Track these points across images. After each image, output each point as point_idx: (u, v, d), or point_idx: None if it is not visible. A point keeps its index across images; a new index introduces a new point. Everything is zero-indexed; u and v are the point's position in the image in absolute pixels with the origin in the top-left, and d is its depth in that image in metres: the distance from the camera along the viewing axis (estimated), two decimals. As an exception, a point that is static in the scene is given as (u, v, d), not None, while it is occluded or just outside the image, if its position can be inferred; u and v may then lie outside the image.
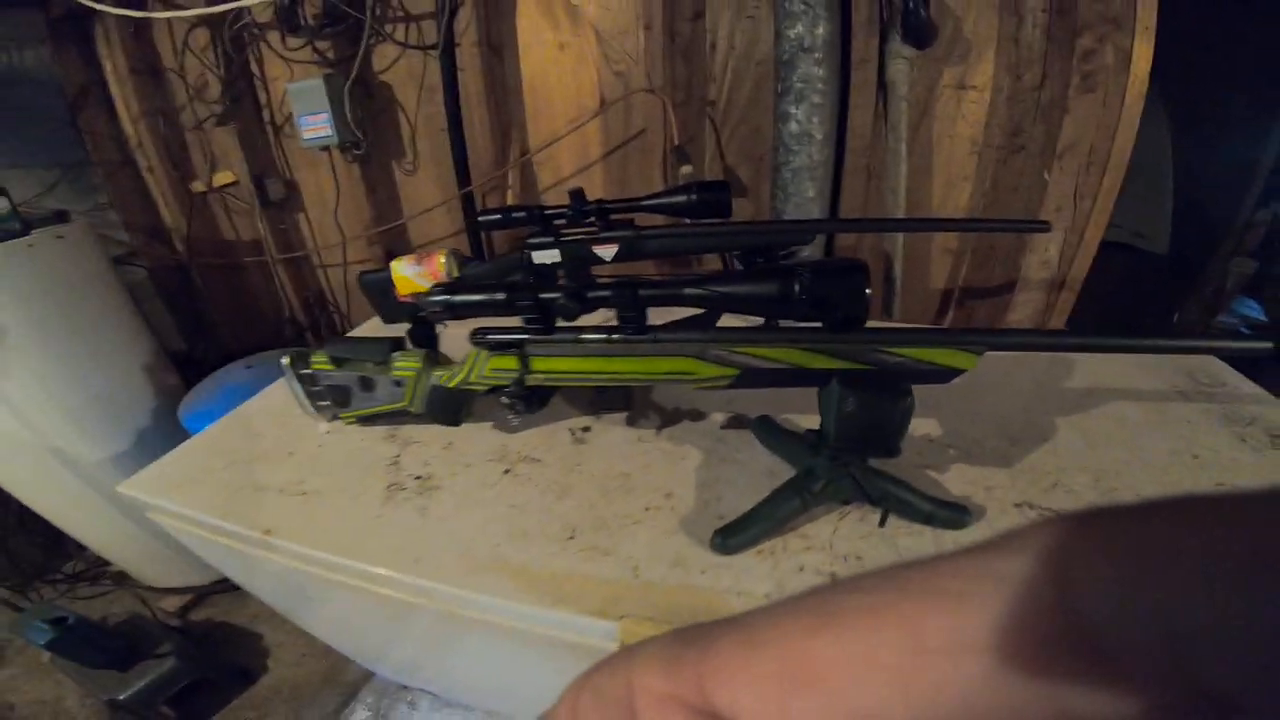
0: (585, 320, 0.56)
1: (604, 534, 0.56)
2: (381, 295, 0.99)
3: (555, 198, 1.28)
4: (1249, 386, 0.74)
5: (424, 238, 1.50)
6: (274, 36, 1.35)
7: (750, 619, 0.17)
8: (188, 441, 0.79)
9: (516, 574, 0.53)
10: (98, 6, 1.26)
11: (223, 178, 1.58)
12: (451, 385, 0.63)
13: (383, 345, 0.65)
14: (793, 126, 1.03)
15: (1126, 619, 0.11)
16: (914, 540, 0.54)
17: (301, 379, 0.73)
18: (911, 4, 0.99)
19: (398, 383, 0.65)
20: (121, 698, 1.21)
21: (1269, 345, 0.43)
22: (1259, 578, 0.10)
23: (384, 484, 0.65)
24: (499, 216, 0.78)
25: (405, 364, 0.64)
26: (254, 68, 1.43)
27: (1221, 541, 0.11)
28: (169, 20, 1.44)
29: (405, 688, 1.28)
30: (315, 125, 1.25)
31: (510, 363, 0.57)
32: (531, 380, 0.58)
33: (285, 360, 0.72)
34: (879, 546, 0.53)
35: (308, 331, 1.75)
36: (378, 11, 1.21)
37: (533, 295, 0.55)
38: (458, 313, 0.57)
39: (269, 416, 0.82)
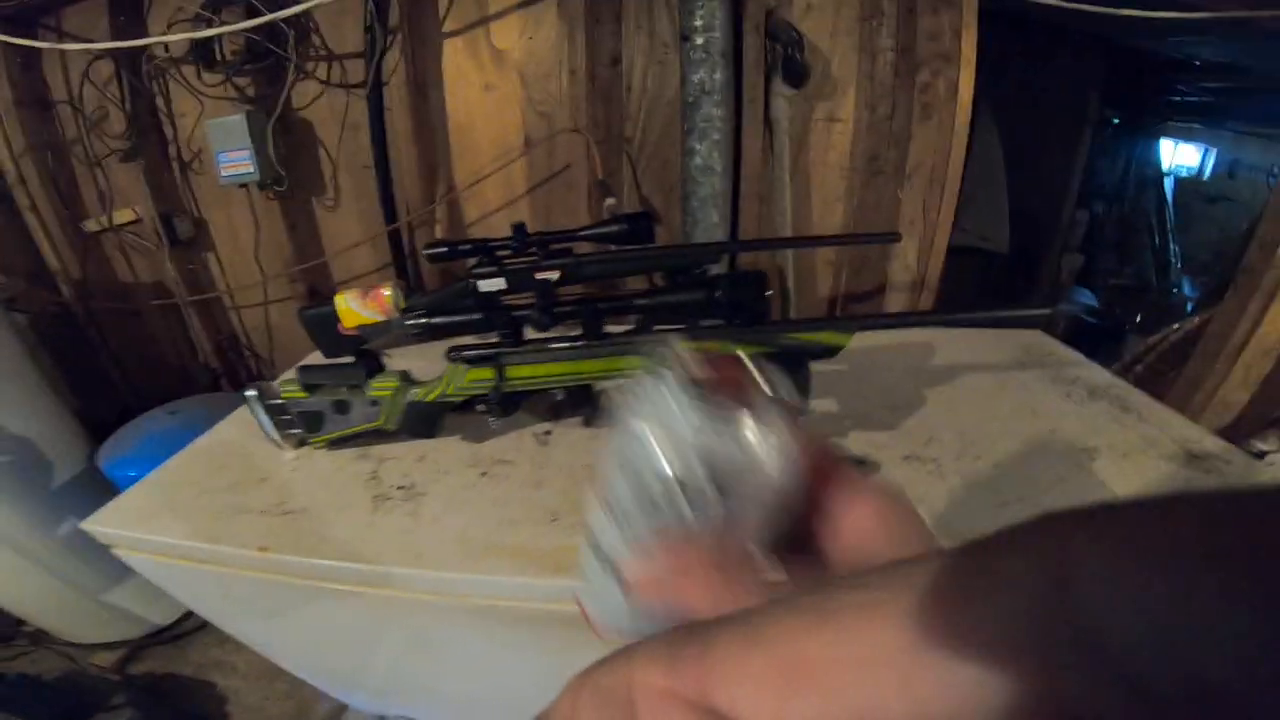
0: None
1: (581, 513, 0.67)
2: (323, 330, 1.03)
3: (483, 230, 1.37)
4: (1072, 354, 0.94)
5: (347, 273, 1.51)
6: (185, 71, 1.34)
7: (750, 616, 0.17)
8: (143, 480, 0.79)
9: (514, 554, 0.62)
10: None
11: (123, 216, 1.51)
12: (430, 399, 0.71)
13: (359, 369, 0.71)
14: (697, 160, 1.19)
15: (1123, 614, 0.11)
16: None
17: (269, 409, 0.77)
18: (789, 50, 1.19)
19: (374, 402, 0.72)
20: None
21: (1046, 312, 0.62)
22: (1260, 574, 0.10)
23: (369, 496, 0.71)
24: (445, 250, 0.86)
25: (382, 384, 0.71)
26: (160, 103, 1.40)
27: (1222, 538, 0.11)
28: (63, 52, 1.39)
29: (382, 717, 1.27)
30: (235, 162, 1.26)
31: (487, 373, 0.67)
32: (507, 387, 0.67)
33: (252, 393, 0.76)
34: None
35: (222, 377, 1.69)
36: (300, 50, 1.25)
37: (507, 313, 0.65)
38: (435, 333, 0.66)
39: (226, 450, 0.85)
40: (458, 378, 0.68)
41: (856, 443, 0.74)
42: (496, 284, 0.83)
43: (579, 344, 0.65)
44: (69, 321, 1.68)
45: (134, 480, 1.19)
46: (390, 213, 1.33)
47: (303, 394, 0.73)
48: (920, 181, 1.31)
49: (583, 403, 0.72)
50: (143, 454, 1.22)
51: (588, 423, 0.82)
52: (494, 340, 0.69)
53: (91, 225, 1.56)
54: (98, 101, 1.42)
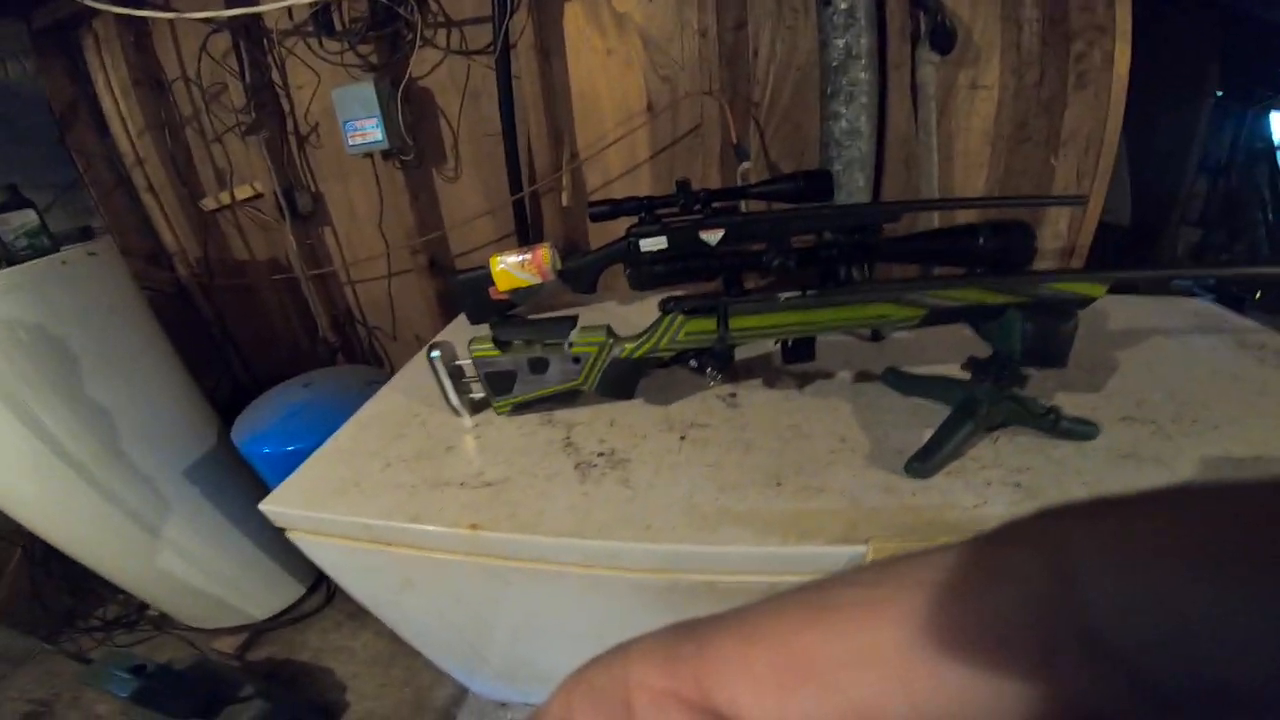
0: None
1: (807, 475, 0.61)
2: (474, 295, 1.01)
3: (605, 195, 1.32)
4: (1247, 321, 0.88)
5: (465, 245, 1.49)
6: (300, 43, 1.33)
7: (748, 613, 0.17)
8: (316, 454, 0.77)
9: (746, 521, 0.57)
10: (104, 7, 1.19)
11: (243, 192, 1.52)
12: (637, 356, 0.66)
13: (564, 324, 0.68)
14: (843, 124, 1.13)
15: (1126, 609, 0.11)
16: (1060, 452, 0.62)
17: (450, 371, 0.74)
18: (938, 17, 1.13)
19: (576, 359, 0.68)
20: None
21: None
22: (1261, 568, 0.10)
23: (570, 464, 0.67)
24: (608, 207, 0.82)
25: (588, 339, 0.67)
26: (276, 76, 1.40)
27: (1223, 533, 0.11)
28: (173, 26, 1.39)
29: (504, 705, 1.26)
30: (363, 131, 1.24)
31: (708, 325, 0.62)
32: (731, 338, 0.62)
33: (435, 354, 0.73)
34: (1037, 459, 0.61)
35: (339, 351, 1.69)
36: (421, 16, 1.22)
37: (731, 259, 0.60)
38: (659, 281, 0.62)
39: (398, 417, 0.82)
40: (674, 330, 0.64)
41: (1065, 402, 0.68)
42: (658, 243, 0.78)
43: (813, 292, 0.60)
44: (186, 300, 1.71)
45: (270, 457, 1.21)
46: (516, 181, 1.29)
47: (495, 352, 0.69)
48: (1075, 150, 1.23)
49: (805, 354, 0.67)
50: (280, 429, 1.21)
51: (770, 384, 0.77)
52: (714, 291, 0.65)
53: (209, 203, 1.58)
54: (213, 76, 1.43)
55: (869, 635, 0.14)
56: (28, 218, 1.11)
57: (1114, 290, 0.58)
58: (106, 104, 1.53)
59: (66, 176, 1.54)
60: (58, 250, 1.13)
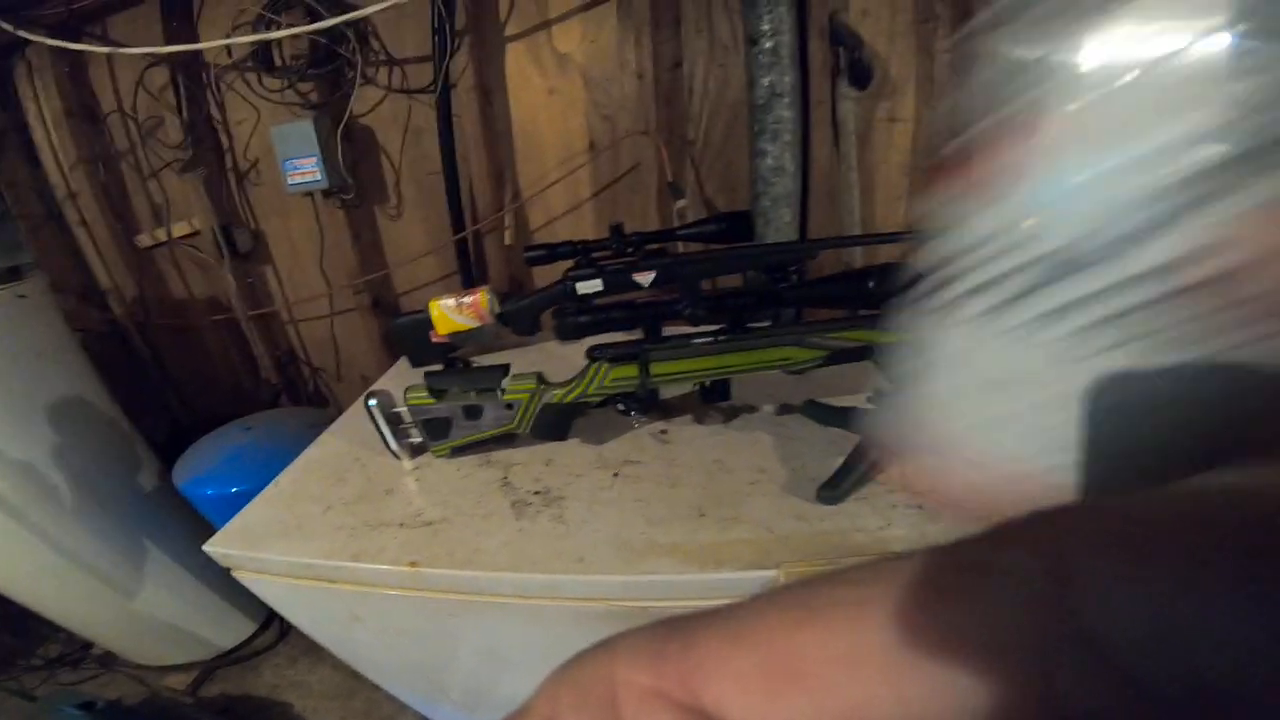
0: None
1: (727, 507, 0.66)
2: (414, 338, 1.03)
3: (547, 235, 1.36)
4: None
5: (409, 284, 1.50)
6: (244, 77, 1.33)
7: (736, 612, 0.16)
8: (259, 497, 0.78)
9: (670, 552, 0.61)
10: (39, 39, 1.18)
11: (180, 229, 1.49)
12: (568, 400, 0.70)
13: (495, 372, 0.71)
14: (769, 161, 1.20)
15: (1122, 611, 0.11)
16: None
17: (388, 418, 0.77)
18: (855, 53, 1.20)
19: (509, 405, 0.71)
20: None
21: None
22: (1258, 571, 0.10)
23: (507, 503, 0.70)
24: (544, 252, 0.86)
25: (519, 386, 0.71)
26: (215, 111, 1.39)
27: (1218, 533, 0.11)
28: (110, 59, 1.38)
29: None
30: (303, 169, 1.25)
31: (631, 371, 0.66)
32: (651, 384, 0.67)
33: (373, 402, 0.75)
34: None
35: (282, 392, 1.67)
36: (362, 55, 1.24)
37: (650, 310, 0.65)
38: (583, 331, 0.66)
39: (339, 462, 0.84)
40: (600, 377, 0.68)
41: None
42: (594, 285, 0.83)
43: (725, 338, 0.65)
44: (121, 339, 1.66)
45: (213, 499, 1.20)
46: (458, 220, 1.32)
47: (430, 400, 0.72)
48: None
49: (721, 395, 0.72)
50: (222, 471, 1.20)
51: (700, 420, 0.82)
52: (634, 339, 0.69)
53: (145, 240, 1.55)
54: (150, 110, 1.41)
55: (858, 635, 0.14)
56: (-49, 259, 1.08)
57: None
58: (38, 134, 1.50)
59: (-9, 211, 1.49)
60: (-16, 293, 1.11)
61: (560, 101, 1.29)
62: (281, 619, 1.61)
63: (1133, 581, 0.11)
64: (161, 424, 1.74)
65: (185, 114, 1.35)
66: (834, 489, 0.64)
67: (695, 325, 0.65)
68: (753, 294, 0.66)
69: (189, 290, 1.64)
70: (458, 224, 1.33)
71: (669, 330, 0.74)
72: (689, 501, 0.67)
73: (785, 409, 0.83)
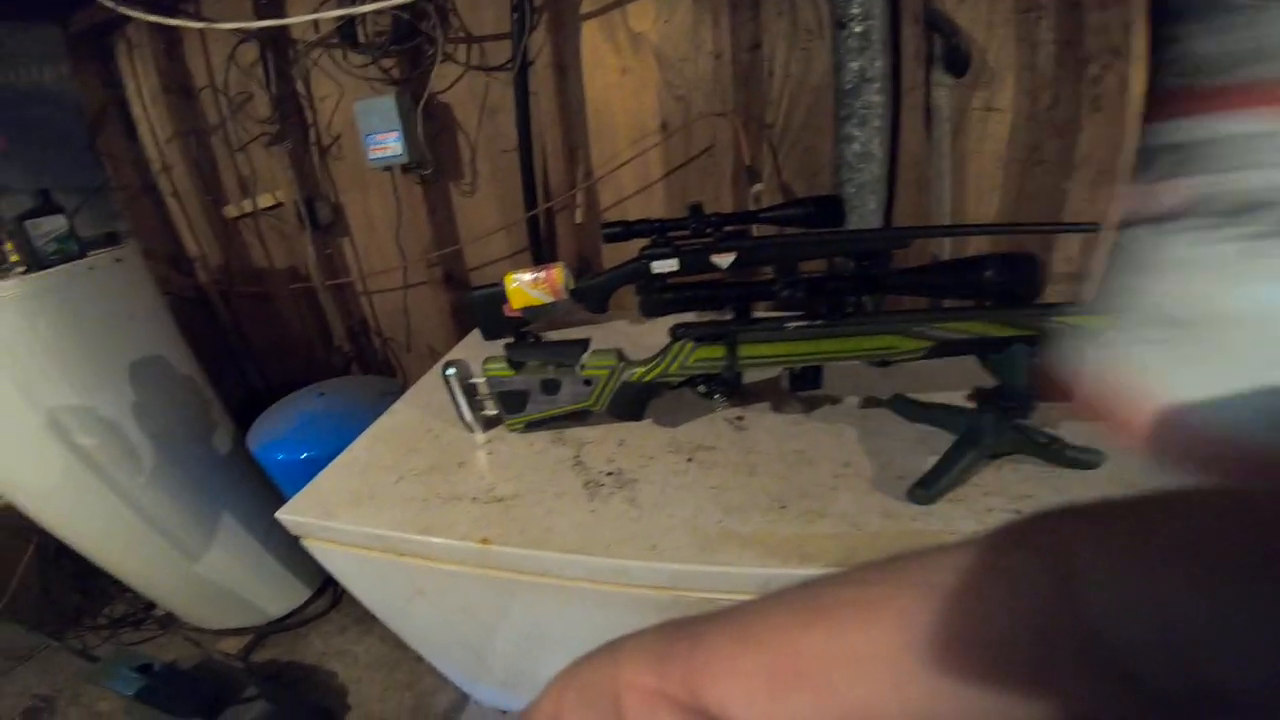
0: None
1: (810, 500, 0.62)
2: (488, 311, 1.03)
3: (617, 215, 1.35)
4: None
5: (480, 259, 1.51)
6: (325, 55, 1.36)
7: (740, 613, 0.17)
8: (332, 465, 0.79)
9: (749, 543, 0.58)
10: (137, 15, 1.23)
11: (265, 200, 1.55)
12: (647, 380, 0.68)
13: (575, 347, 0.69)
14: (856, 147, 1.14)
15: (1124, 613, 0.11)
16: (1064, 481, 0.62)
17: (464, 389, 0.76)
18: (952, 40, 1.14)
19: (587, 382, 0.70)
20: None
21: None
22: (1260, 572, 0.10)
23: (579, 482, 0.68)
24: (620, 229, 0.84)
25: (598, 362, 0.69)
26: (300, 87, 1.43)
27: (1222, 536, 0.11)
28: (203, 35, 1.43)
29: (504, 713, 1.27)
30: (384, 144, 1.27)
31: (717, 352, 0.63)
32: (738, 365, 0.64)
33: (451, 371, 0.75)
34: (1039, 486, 0.61)
35: (353, 360, 1.72)
36: (443, 32, 1.25)
37: (744, 290, 0.61)
38: (667, 308, 0.63)
39: (412, 432, 0.84)
40: (683, 356, 0.65)
41: (1071, 430, 0.67)
42: (670, 265, 0.80)
43: (823, 323, 0.61)
44: (205, 306, 1.75)
45: (284, 464, 1.23)
46: (530, 197, 1.32)
47: (508, 372, 0.71)
48: (1087, 174, 1.23)
49: (812, 383, 0.68)
50: (294, 436, 1.23)
51: (778, 409, 0.78)
52: (724, 318, 0.66)
53: (231, 211, 1.62)
54: (240, 86, 1.46)
55: (862, 636, 0.14)
56: (57, 223, 1.14)
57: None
58: (136, 110, 1.58)
59: (95, 180, 1.58)
60: (85, 255, 1.17)
61: (633, 81, 1.27)
62: (335, 586, 1.66)
63: (1137, 584, 0.11)
64: (239, 389, 1.82)
65: (273, 89, 1.38)
66: (927, 488, 0.60)
67: (789, 308, 0.61)
68: (855, 278, 0.61)
69: (270, 260, 1.70)
70: (530, 201, 1.32)
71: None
72: (768, 491, 0.64)
73: (870, 402, 0.78)
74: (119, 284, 1.21)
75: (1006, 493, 0.62)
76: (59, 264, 1.13)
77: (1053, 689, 0.12)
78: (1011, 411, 0.62)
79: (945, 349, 0.61)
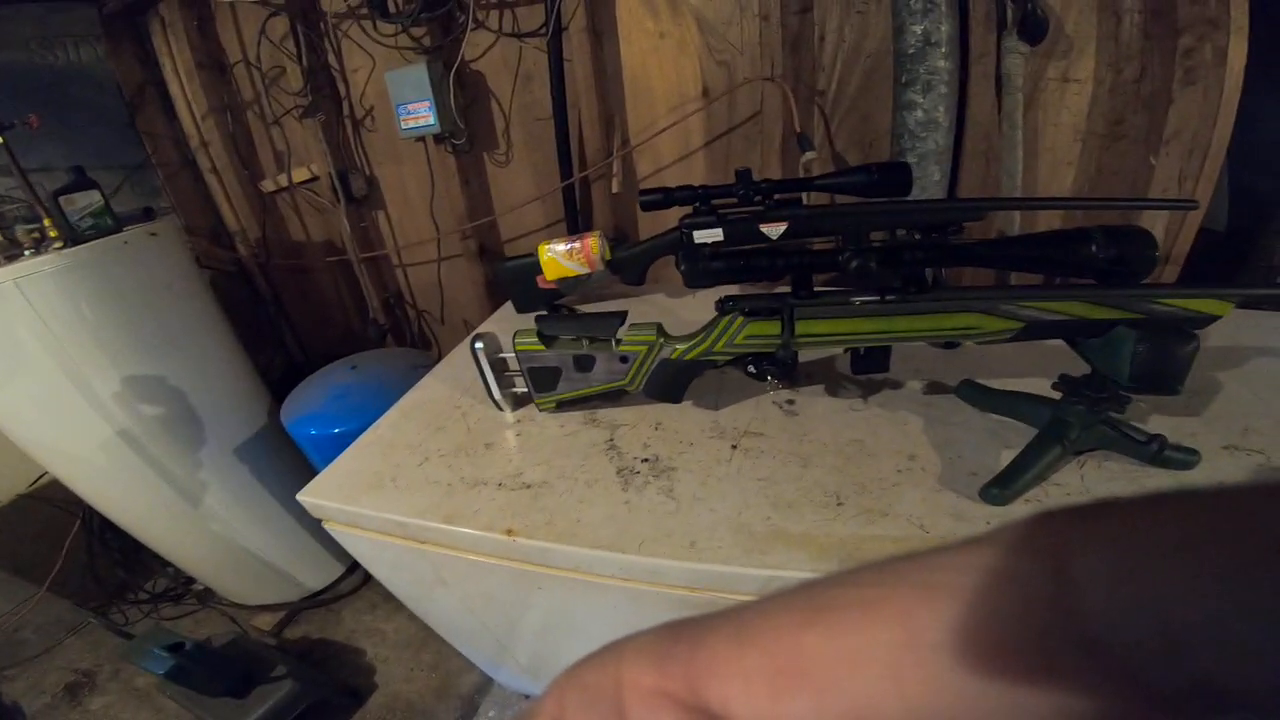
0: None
1: (870, 497, 0.56)
2: (521, 283, 0.98)
3: (655, 184, 1.28)
4: None
5: (515, 231, 1.47)
6: (355, 26, 1.33)
7: (742, 613, 0.16)
8: (356, 443, 0.76)
9: (801, 544, 0.52)
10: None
11: (300, 174, 1.54)
12: (689, 358, 0.62)
13: (611, 320, 0.63)
14: (919, 114, 1.06)
15: (1123, 613, 0.11)
16: (1154, 482, 0.55)
17: (493, 364, 0.71)
18: (1029, 5, 1.04)
19: (624, 358, 0.64)
20: None
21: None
22: (1255, 571, 0.10)
23: (612, 469, 0.63)
24: (660, 195, 0.78)
25: (637, 337, 0.63)
26: (332, 60, 1.40)
27: (1219, 535, 0.11)
28: (234, 10, 1.42)
29: (527, 697, 1.25)
30: (416, 114, 1.23)
31: (771, 328, 0.57)
32: (796, 344, 0.57)
33: (479, 345, 0.70)
34: (1128, 488, 0.54)
35: (388, 332, 1.71)
36: (474, -2, 1.20)
37: (805, 260, 0.55)
38: (716, 278, 0.57)
39: (438, 409, 0.80)
40: (732, 331, 0.59)
41: (1158, 425, 0.61)
42: (714, 235, 0.73)
43: (893, 298, 0.54)
44: (245, 279, 1.76)
45: (316, 439, 1.21)
46: (566, 167, 1.26)
47: (540, 347, 0.66)
48: (1178, 150, 1.13)
49: (879, 365, 0.61)
50: (326, 411, 1.21)
51: (832, 392, 0.71)
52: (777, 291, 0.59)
53: (268, 185, 1.61)
54: (272, 60, 1.44)
55: (863, 636, 0.14)
56: (92, 198, 1.14)
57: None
58: (173, 87, 1.57)
59: (136, 157, 1.59)
60: (120, 230, 1.16)
61: (671, 46, 1.20)
62: (368, 565, 1.66)
63: (1136, 585, 0.11)
64: (277, 361, 1.84)
65: (305, 62, 1.36)
66: (1004, 487, 0.53)
67: (856, 280, 0.54)
68: (935, 248, 0.54)
69: (307, 233, 1.70)
70: (565, 171, 1.27)
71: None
72: (823, 485, 0.58)
73: (935, 387, 0.71)
74: (156, 258, 1.20)
75: (1091, 493, 0.55)
76: (95, 238, 1.13)
77: (1053, 689, 0.12)
78: (1104, 403, 0.55)
79: (1034, 331, 0.54)
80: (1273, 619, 0.10)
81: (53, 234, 1.11)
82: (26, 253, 1.09)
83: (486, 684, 1.33)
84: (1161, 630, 0.11)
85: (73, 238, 1.11)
